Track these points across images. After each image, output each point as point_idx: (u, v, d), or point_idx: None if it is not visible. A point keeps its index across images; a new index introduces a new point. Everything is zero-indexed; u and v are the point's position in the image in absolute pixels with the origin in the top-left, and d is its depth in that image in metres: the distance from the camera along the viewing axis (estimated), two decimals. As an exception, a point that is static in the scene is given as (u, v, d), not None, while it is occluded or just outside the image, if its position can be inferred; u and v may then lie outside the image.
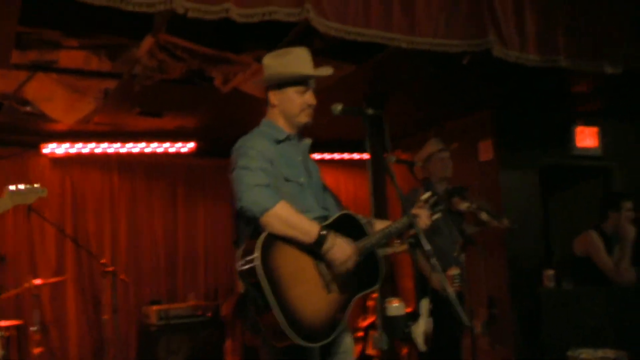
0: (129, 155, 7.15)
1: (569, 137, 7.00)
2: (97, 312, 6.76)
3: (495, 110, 6.68)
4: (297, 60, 2.83)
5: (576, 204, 7.68)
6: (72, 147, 6.82)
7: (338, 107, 2.88)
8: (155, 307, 6.59)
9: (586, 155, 7.13)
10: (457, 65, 4.97)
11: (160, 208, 7.40)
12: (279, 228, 2.51)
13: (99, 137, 6.86)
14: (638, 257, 5.27)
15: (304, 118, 2.84)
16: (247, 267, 2.50)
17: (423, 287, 4.43)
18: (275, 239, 2.52)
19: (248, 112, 6.40)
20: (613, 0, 4.84)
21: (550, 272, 5.23)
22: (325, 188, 2.93)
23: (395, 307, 3.24)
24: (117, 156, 7.14)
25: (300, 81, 2.82)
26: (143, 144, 7.05)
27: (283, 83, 2.81)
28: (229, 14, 3.40)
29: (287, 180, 2.71)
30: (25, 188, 2.92)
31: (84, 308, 6.81)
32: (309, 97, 2.83)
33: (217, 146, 7.49)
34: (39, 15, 3.94)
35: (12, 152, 6.72)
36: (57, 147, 6.77)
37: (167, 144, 7.16)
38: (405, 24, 3.98)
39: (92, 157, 7.01)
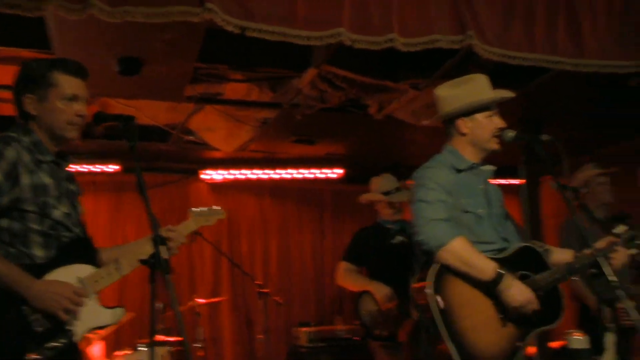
0: (281, 180, 7.43)
1: None
2: (250, 332, 7.03)
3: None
4: (482, 86, 2.84)
5: None
6: (228, 173, 7.20)
7: (511, 134, 2.84)
8: (304, 329, 6.74)
9: None
10: (619, 89, 4.75)
11: (309, 232, 7.61)
12: (455, 264, 2.53)
13: (254, 164, 7.19)
14: None
15: (494, 144, 2.82)
16: (420, 296, 2.52)
17: (586, 320, 4.23)
18: (449, 270, 2.54)
19: (397, 140, 6.51)
20: None
21: None
22: (507, 216, 2.87)
23: (579, 340, 3.10)
24: (270, 182, 7.44)
25: (487, 107, 2.81)
26: (294, 171, 7.30)
27: (472, 110, 2.80)
28: (394, 43, 3.49)
29: (465, 211, 2.70)
30: (208, 210, 3.09)
31: (238, 327, 7.10)
32: (498, 121, 2.82)
33: (364, 173, 7.60)
34: (210, 51, 4.24)
35: (174, 179, 7.19)
36: (214, 173, 7.17)
37: (316, 170, 7.37)
38: (570, 47, 3.88)
39: (246, 183, 7.36)
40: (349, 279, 4.42)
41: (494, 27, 3.73)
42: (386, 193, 4.51)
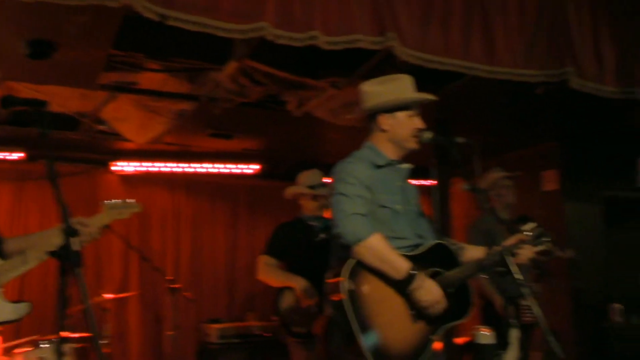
0: (195, 174, 7.32)
1: (635, 170, 6.89)
2: (159, 328, 6.88)
3: (560, 141, 6.63)
4: (406, 85, 2.89)
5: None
6: (140, 165, 7.01)
7: (428, 135, 2.90)
8: (215, 325, 6.67)
9: (651, 188, 7.00)
10: (527, 97, 4.97)
11: (222, 228, 7.54)
12: (370, 259, 2.56)
13: (168, 157, 7.04)
14: None
15: (413, 144, 2.88)
16: (333, 291, 2.55)
17: (490, 316, 4.40)
18: (363, 266, 2.57)
19: (314, 137, 6.55)
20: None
21: (617, 307, 5.13)
22: (421, 214, 2.94)
23: (485, 335, 3.22)
24: (184, 175, 7.31)
25: (409, 106, 2.86)
26: (209, 165, 7.21)
27: (395, 108, 2.85)
28: (316, 41, 3.50)
29: (382, 207, 2.74)
30: (122, 203, 2.99)
31: (147, 323, 6.94)
32: (418, 121, 2.88)
33: (280, 169, 7.63)
34: (127, 38, 4.11)
35: (83, 169, 6.93)
36: (126, 165, 6.97)
37: (232, 166, 7.31)
38: (484, 54, 4.02)
39: (159, 176, 7.20)
40: (269, 273, 4.38)
41: (413, 31, 3.81)
42: (312, 187, 4.52)
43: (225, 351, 6.54)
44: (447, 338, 5.30)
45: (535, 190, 6.80)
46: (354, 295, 2.50)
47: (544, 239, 2.99)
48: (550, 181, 6.73)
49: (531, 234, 2.96)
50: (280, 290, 4.31)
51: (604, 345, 5.03)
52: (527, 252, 2.90)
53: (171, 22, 3.16)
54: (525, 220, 4.61)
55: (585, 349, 6.05)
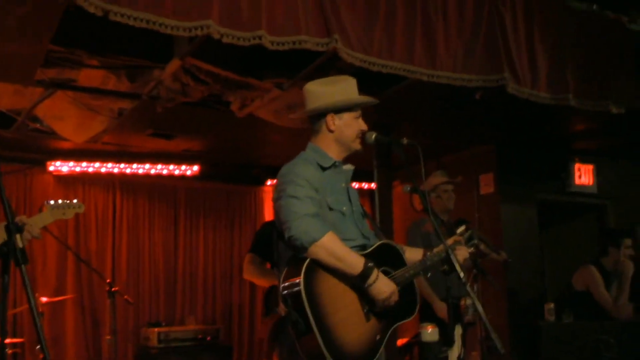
0: (133, 175, 7.18)
1: (567, 174, 7.19)
2: (97, 332, 6.72)
3: (497, 145, 6.84)
4: (352, 87, 2.91)
5: (570, 239, 7.85)
6: (77, 165, 6.84)
7: (372, 136, 2.92)
8: (155, 329, 6.56)
9: (582, 192, 7.31)
10: (466, 101, 5.11)
11: (161, 230, 7.42)
12: (326, 259, 2.55)
13: (105, 157, 6.89)
14: (636, 293, 5.38)
15: (358, 145, 2.90)
16: (290, 291, 2.54)
17: (428, 312, 4.49)
18: (317, 264, 2.56)
19: (256, 139, 6.54)
20: (618, 42, 5.05)
21: (551, 306, 5.31)
22: (365, 215, 2.97)
23: (430, 332, 3.28)
24: (122, 176, 7.17)
25: (354, 108, 2.89)
26: (148, 165, 7.09)
27: (342, 109, 2.86)
28: (262, 41, 3.51)
29: (330, 208, 2.74)
30: (64, 203, 2.93)
31: (83, 328, 6.77)
32: (362, 123, 2.91)
33: (221, 170, 7.59)
34: (67, 34, 4.01)
35: (18, 169, 6.71)
36: (62, 165, 6.78)
37: (172, 166, 7.21)
38: (426, 58, 4.13)
39: (96, 176, 7.04)
40: (255, 272, 4.31)
41: (358, 33, 3.87)
42: None
43: (165, 355, 6.44)
44: (390, 339, 5.40)
45: (473, 193, 6.98)
46: (310, 295, 2.49)
47: (474, 242, 3.15)
48: (487, 184, 6.93)
49: (464, 235, 3.10)
50: (271, 289, 4.25)
51: (536, 344, 5.19)
52: (463, 253, 3.00)
53: (114, 18, 3.11)
54: (463, 222, 4.76)
55: (519, 347, 6.25)
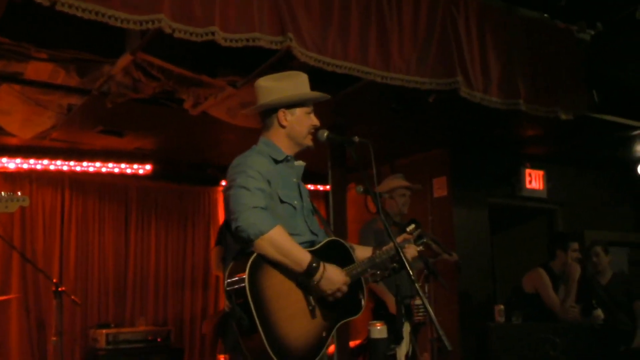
0: (83, 173, 7.00)
1: (518, 179, 7.32)
2: (41, 334, 6.54)
3: (450, 149, 6.92)
4: (304, 82, 2.89)
5: (521, 242, 8.00)
6: (24, 162, 6.64)
7: (324, 134, 2.93)
8: (104, 331, 6.41)
9: (532, 196, 7.46)
10: (419, 104, 5.16)
11: (111, 229, 7.26)
12: (271, 253, 2.52)
13: (54, 154, 6.71)
14: (582, 295, 5.50)
15: (309, 141, 2.89)
16: (234, 287, 2.50)
17: (381, 312, 4.51)
18: (263, 260, 2.54)
19: (210, 138, 6.46)
20: (567, 51, 5.17)
21: (501, 307, 5.39)
22: (314, 211, 2.96)
23: (379, 329, 3.28)
24: (71, 174, 6.98)
25: (306, 103, 2.87)
26: (99, 164, 6.94)
27: (294, 104, 2.85)
28: (215, 37, 3.47)
29: (282, 201, 2.73)
30: (7, 195, 2.83)
31: (28, 329, 6.56)
32: (314, 119, 2.90)
33: (174, 170, 7.48)
34: (12, 25, 3.90)
35: (-40, 165, 6.50)
36: (8, 162, 6.58)
37: (123, 165, 7.06)
38: (380, 60, 4.14)
39: (45, 174, 6.84)
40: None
41: (312, 33, 3.86)
42: None
43: (114, 357, 6.30)
44: (343, 341, 5.40)
45: (426, 196, 7.04)
46: (255, 292, 2.46)
47: (423, 240, 3.19)
48: (440, 187, 7.01)
49: (414, 233, 3.14)
50: None
51: (486, 344, 5.26)
52: (412, 251, 3.05)
53: (62, 8, 3.04)
54: (413, 222, 4.80)
55: (469, 348, 6.32)
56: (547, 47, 5.05)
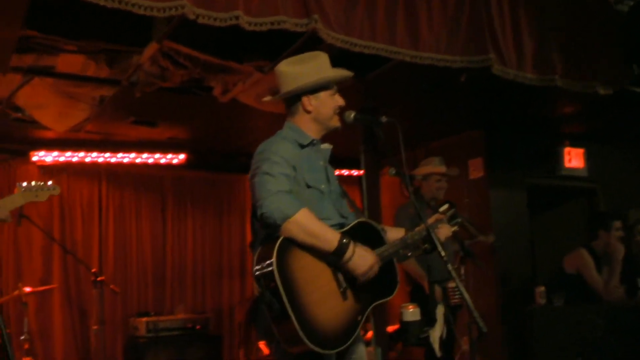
0: (119, 165, 7.10)
1: (557, 158, 7.14)
2: (84, 323, 6.67)
3: (485, 130, 6.78)
4: (325, 64, 2.84)
5: (561, 223, 7.81)
6: (61, 155, 6.75)
7: (351, 115, 2.88)
8: (144, 319, 6.50)
9: (572, 175, 7.27)
10: (451, 84, 5.05)
11: (148, 219, 7.36)
12: (299, 235, 2.49)
13: (90, 146, 6.80)
14: (626, 275, 5.35)
15: (336, 121, 2.84)
16: (263, 271, 2.48)
17: (418, 295, 4.45)
18: (291, 243, 2.50)
19: (241, 126, 6.45)
20: (605, 22, 4.98)
21: (541, 289, 5.27)
22: (344, 195, 2.91)
23: (412, 312, 3.23)
24: (107, 165, 7.09)
25: (329, 85, 2.82)
26: (133, 154, 7.01)
27: (317, 88, 2.79)
28: (239, 21, 3.42)
29: (308, 186, 2.69)
30: (37, 185, 2.86)
31: (70, 318, 6.72)
32: (339, 99, 2.85)
33: (208, 159, 7.51)
34: (41, 18, 3.92)
35: (0, 159, 6.63)
36: (46, 155, 6.70)
37: (158, 155, 7.12)
38: (409, 39, 4.04)
39: (81, 166, 6.96)
40: None
41: (338, 13, 3.78)
42: None
43: (154, 345, 6.39)
44: (380, 325, 5.36)
45: (462, 178, 6.91)
46: (283, 275, 2.43)
47: (457, 220, 3.12)
48: (476, 169, 6.88)
49: (447, 213, 3.07)
50: None
51: (528, 327, 5.16)
52: (445, 231, 2.99)
53: (86, -1, 3.02)
54: (447, 202, 4.72)
55: (510, 330, 6.22)
56: (583, 19, 4.86)
